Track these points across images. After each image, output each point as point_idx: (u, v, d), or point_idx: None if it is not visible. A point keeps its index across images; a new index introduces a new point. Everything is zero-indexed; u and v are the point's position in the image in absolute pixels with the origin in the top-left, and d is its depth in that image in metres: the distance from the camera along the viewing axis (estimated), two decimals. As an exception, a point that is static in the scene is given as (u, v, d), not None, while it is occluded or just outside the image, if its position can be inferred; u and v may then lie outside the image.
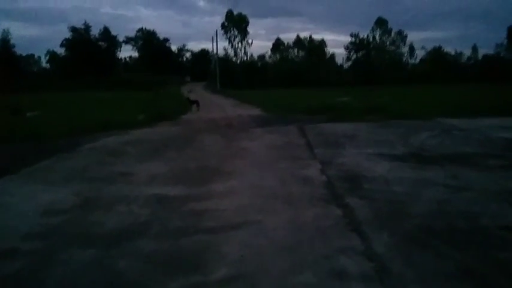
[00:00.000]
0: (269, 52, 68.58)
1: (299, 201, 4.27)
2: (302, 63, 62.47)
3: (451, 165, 5.73)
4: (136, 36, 72.33)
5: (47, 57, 68.21)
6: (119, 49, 68.05)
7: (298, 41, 67.76)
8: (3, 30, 59.15)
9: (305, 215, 3.82)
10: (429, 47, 66.57)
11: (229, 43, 66.63)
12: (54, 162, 6.73)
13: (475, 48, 65.93)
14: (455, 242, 3.14)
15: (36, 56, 75.51)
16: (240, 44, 67.04)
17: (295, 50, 68.12)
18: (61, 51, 63.16)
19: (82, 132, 9.93)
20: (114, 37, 65.00)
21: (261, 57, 68.08)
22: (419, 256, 2.93)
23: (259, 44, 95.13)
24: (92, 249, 3.17)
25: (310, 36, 67.82)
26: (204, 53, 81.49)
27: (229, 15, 65.09)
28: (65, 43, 61.50)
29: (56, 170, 6.09)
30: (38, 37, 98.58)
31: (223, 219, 3.75)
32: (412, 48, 66.47)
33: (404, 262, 2.83)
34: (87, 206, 4.28)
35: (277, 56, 67.99)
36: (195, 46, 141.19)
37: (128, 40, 70.70)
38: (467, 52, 66.24)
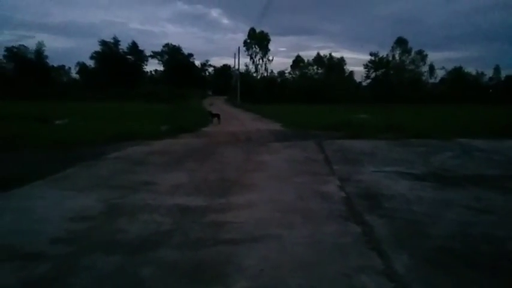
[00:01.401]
0: (289, 68, 69.22)
1: (318, 217, 4.28)
2: (321, 80, 62.55)
3: (472, 186, 5.64)
4: (162, 50, 74.62)
5: (77, 69, 71.15)
6: (145, 63, 70.64)
7: (318, 58, 68.18)
8: (38, 42, 62.37)
9: (324, 231, 3.84)
10: (450, 67, 65.92)
11: (250, 59, 67.81)
12: (81, 169, 6.97)
13: (497, 69, 65.00)
14: (479, 267, 3.08)
15: (66, 67, 78.67)
16: (261, 61, 68.04)
17: (315, 67, 68.42)
18: (90, 63, 66.09)
19: (108, 141, 10.25)
20: (141, 51, 67.67)
21: (281, 73, 68.73)
22: (441, 278, 2.90)
23: (279, 61, 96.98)
24: (116, 255, 3.27)
25: (330, 54, 68.24)
26: (225, 68, 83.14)
27: (251, 32, 66.25)
28: (95, 55, 64.45)
29: (82, 177, 6.30)
30: (69, 49, 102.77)
31: (243, 231, 3.81)
32: (432, 68, 65.98)
33: (426, 284, 2.81)
34: (112, 213, 4.41)
35: (297, 72, 68.40)
36: (217, 61, 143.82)
37: (154, 54, 73.09)
38: (489, 73, 65.28)
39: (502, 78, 64.30)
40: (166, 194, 5.17)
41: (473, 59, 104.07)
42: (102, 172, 6.67)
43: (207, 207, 4.57)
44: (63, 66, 78.77)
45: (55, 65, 70.63)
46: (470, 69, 66.35)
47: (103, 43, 63.91)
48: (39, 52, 61.41)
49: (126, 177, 6.26)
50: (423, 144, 10.04)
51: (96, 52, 64.28)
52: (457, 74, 63.36)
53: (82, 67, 69.32)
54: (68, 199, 4.98)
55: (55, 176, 6.32)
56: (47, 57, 62.90)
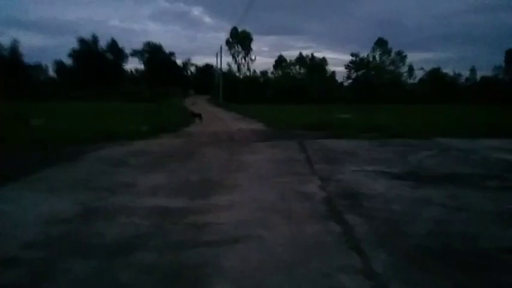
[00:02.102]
0: (272, 68, 69.45)
1: (299, 217, 4.30)
2: (303, 79, 63.00)
3: (449, 185, 5.78)
4: (142, 49, 73.39)
5: (54, 67, 69.17)
6: (125, 61, 69.24)
7: (300, 58, 68.57)
8: (13, 39, 60.17)
9: (305, 231, 3.85)
10: (428, 67, 67.58)
11: (233, 58, 67.67)
12: (58, 170, 6.79)
13: (473, 70, 67.08)
14: (455, 264, 3.15)
15: (43, 65, 76.54)
16: (243, 60, 68.04)
17: (297, 67, 68.81)
18: (68, 61, 64.30)
19: (86, 141, 10.01)
20: (121, 49, 66.28)
21: (264, 73, 68.86)
22: (418, 276, 2.96)
23: (262, 60, 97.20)
24: (93, 259, 3.20)
25: (312, 54, 68.78)
26: (208, 67, 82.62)
27: (233, 32, 66.10)
28: (73, 54, 62.66)
29: (59, 179, 6.14)
30: (46, 47, 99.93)
31: (224, 233, 3.79)
32: (411, 69, 67.40)
33: (403, 282, 2.86)
34: (89, 215, 4.31)
35: (280, 72, 68.67)
36: (199, 60, 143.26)
37: (134, 53, 71.74)
38: (465, 74, 67.25)
39: (478, 79, 66.36)
40: (146, 196, 5.09)
41: (450, 61, 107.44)
42: (80, 173, 6.52)
43: (187, 209, 4.52)
44: (40, 64, 76.75)
45: (31, 63, 68.75)
46: (448, 70, 68.27)
47: (81, 41, 62.43)
48: (13, 50, 59.40)
49: (104, 178, 6.13)
50: (403, 144, 10.23)
51: (74, 50, 62.71)
52: (435, 75, 64.90)
53: (59, 65, 67.41)
54: (44, 201, 4.85)
55: (31, 178, 6.14)
56: (22, 54, 60.99)
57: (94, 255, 3.27)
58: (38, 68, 74.12)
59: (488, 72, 66.44)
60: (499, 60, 65.21)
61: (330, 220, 4.20)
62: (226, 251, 3.37)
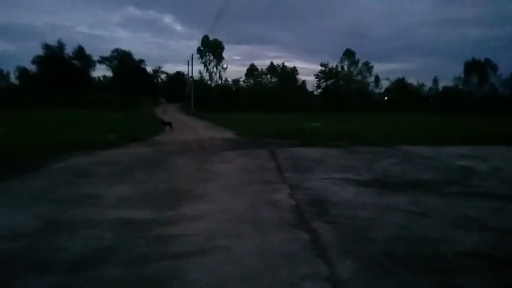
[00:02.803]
0: (243, 77, 69.80)
1: (268, 226, 4.30)
2: (275, 88, 63.74)
3: (413, 191, 5.98)
4: (111, 56, 71.62)
5: (17, 74, 66.25)
6: (92, 68, 67.10)
7: (272, 68, 69.45)
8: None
9: (273, 240, 3.86)
10: (393, 77, 70.42)
11: (204, 67, 67.53)
12: (17, 182, 6.47)
13: (435, 80, 70.59)
14: (416, 268, 3.27)
15: (5, 72, 73.32)
16: (215, 68, 68.03)
17: (269, 76, 69.59)
18: (32, 68, 61.66)
19: (50, 151, 9.62)
20: (89, 56, 64.24)
21: (236, 81, 69.07)
22: (382, 282, 3.03)
23: (234, 69, 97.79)
24: (52, 276, 3.06)
25: (283, 64, 69.82)
26: (179, 75, 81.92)
27: (205, 40, 66.05)
28: (37, 60, 60.10)
29: (18, 191, 5.85)
30: (8, 53, 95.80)
31: (191, 244, 3.73)
32: (377, 79, 70.09)
33: (368, 287, 2.92)
34: (50, 229, 4.13)
35: (251, 81, 69.15)
36: (170, 68, 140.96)
37: (102, 60, 69.73)
38: (428, 84, 70.53)
39: (440, 89, 69.66)
40: (111, 208, 4.93)
41: (414, 71, 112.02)
42: (42, 185, 6.24)
43: (153, 220, 4.43)
44: (1, 70, 73.59)
45: (-10, 69, 65.78)
46: (412, 80, 71.25)
47: (46, 47, 59.82)
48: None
49: (67, 190, 5.90)
50: (369, 152, 10.51)
51: (38, 56, 60.09)
52: (400, 85, 67.66)
53: (23, 72, 64.65)
54: (1, 215, 4.60)
55: (-13, 191, 5.82)
56: (-19, 60, 58.30)
57: (54, 271, 3.13)
58: (-1, 74, 71.00)
59: (450, 83, 70.17)
60: (459, 71, 69.03)
61: (297, 228, 4.23)
62: (193, 263, 3.31)
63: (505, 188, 6.38)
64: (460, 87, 67.84)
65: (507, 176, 7.37)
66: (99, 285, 2.94)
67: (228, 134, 16.53)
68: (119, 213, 4.68)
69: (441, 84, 70.05)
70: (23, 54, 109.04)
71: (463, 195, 5.78)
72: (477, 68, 66.93)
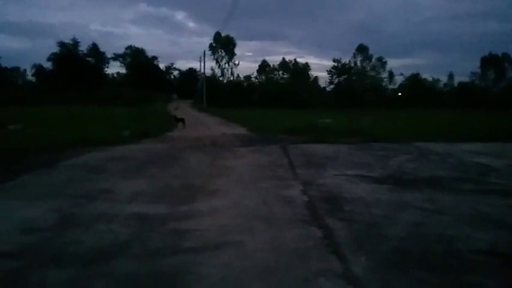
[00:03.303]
0: (255, 73, 69.79)
1: (281, 222, 4.31)
2: (287, 84, 63.47)
3: (427, 188, 5.90)
4: (124, 53, 72.47)
5: (33, 71, 67.49)
6: (106, 65, 68.08)
7: (284, 64, 69.29)
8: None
9: (286, 236, 3.86)
10: (407, 73, 69.19)
11: (216, 63, 67.77)
12: (34, 177, 6.61)
13: (451, 76, 69.25)
14: (431, 266, 3.23)
15: (22, 69, 74.75)
16: (227, 65, 68.23)
17: (280, 72, 69.39)
18: (48, 65, 62.81)
19: (65, 147, 9.79)
20: (102, 53, 65.26)
21: (247, 77, 69.16)
22: (397, 279, 3.00)
23: (246, 65, 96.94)
24: (69, 269, 3.12)
25: (295, 60, 69.62)
26: (191, 71, 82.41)
27: (216, 36, 66.21)
28: (52, 57, 61.25)
29: (35, 186, 5.98)
30: (25, 50, 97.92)
31: (205, 239, 3.75)
32: (391, 74, 69.06)
33: (382, 285, 2.90)
34: (66, 223, 4.21)
35: (263, 77, 69.07)
36: (183, 65, 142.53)
37: (116, 57, 70.71)
38: (443, 79, 69.17)
39: (455, 85, 68.34)
40: (125, 203, 5.00)
41: (429, 66, 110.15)
42: (57, 180, 6.36)
43: (167, 215, 4.47)
44: (18, 68, 75.02)
45: (9, 67, 67.07)
46: (427, 76, 69.98)
47: (61, 44, 60.91)
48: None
49: (82, 185, 6.01)
50: (383, 148, 10.40)
51: (53, 54, 61.14)
52: (414, 80, 66.47)
53: (39, 69, 65.82)
54: (19, 209, 4.71)
55: (6, 185, 5.97)
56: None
57: (70, 265, 3.19)
58: (16, 71, 72.44)
59: (465, 78, 68.76)
60: (475, 66, 67.52)
61: (311, 225, 4.22)
62: (207, 257, 3.34)
63: (522, 185, 6.25)
64: (476, 82, 66.47)
65: (525, 173, 7.21)
66: (114, 278, 2.98)
67: (240, 130, 16.56)
68: (133, 208, 4.74)
69: (457, 80, 68.87)
70: (39, 51, 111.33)
71: (479, 193, 5.68)
72: (494, 63, 65.44)
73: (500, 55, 65.23)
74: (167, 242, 3.69)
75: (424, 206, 4.96)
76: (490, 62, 65.62)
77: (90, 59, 63.84)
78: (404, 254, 3.46)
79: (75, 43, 61.90)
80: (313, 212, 4.68)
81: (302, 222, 4.29)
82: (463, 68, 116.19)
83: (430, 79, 68.71)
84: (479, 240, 3.81)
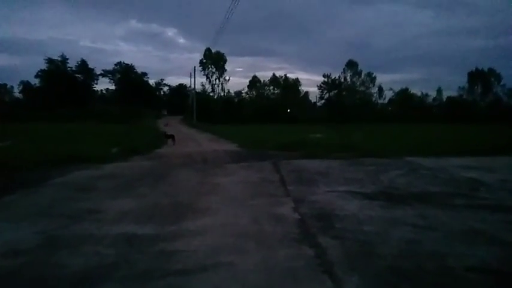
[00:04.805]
0: (246, 89, 70.18)
1: (272, 241, 4.23)
2: (277, 100, 63.98)
3: (419, 204, 5.89)
4: (114, 69, 72.36)
5: (20, 88, 66.94)
6: (95, 82, 67.78)
7: (274, 79, 69.92)
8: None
9: (277, 256, 3.78)
10: (397, 88, 70.39)
11: (207, 79, 67.97)
12: (20, 197, 6.45)
13: (439, 91, 70.35)
14: (423, 284, 3.20)
15: (8, 86, 74.15)
16: (217, 80, 68.45)
17: (271, 88, 69.94)
18: (35, 81, 62.34)
19: (53, 165, 9.62)
20: (92, 70, 64.95)
21: (238, 93, 69.48)
22: (389, 299, 2.95)
23: (237, 81, 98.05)
24: (52, 294, 3.00)
25: (285, 75, 70.19)
26: (181, 87, 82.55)
27: (207, 53, 66.59)
28: (40, 74, 60.85)
29: (20, 206, 5.82)
30: (12, 67, 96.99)
31: (194, 260, 3.65)
32: (380, 89, 70.11)
33: (374, 305, 2.84)
34: (51, 245, 4.07)
35: (254, 92, 69.52)
36: (173, 81, 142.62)
37: (105, 73, 70.51)
38: (432, 94, 70.37)
39: (444, 99, 69.56)
40: (113, 223, 4.87)
41: (417, 81, 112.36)
42: (44, 200, 6.20)
43: (156, 236, 4.36)
44: (5, 84, 74.44)
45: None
46: (416, 91, 71.31)
47: (49, 61, 60.46)
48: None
49: (69, 205, 5.86)
50: (374, 163, 10.43)
51: (42, 70, 60.73)
52: (403, 95, 67.61)
53: (26, 86, 65.33)
54: (2, 231, 4.56)
55: (-11, 206, 5.79)
56: (-15, 74, 59.01)
57: (54, 290, 3.07)
58: (3, 88, 71.75)
59: (454, 93, 70.12)
60: (463, 81, 69.05)
61: (302, 243, 4.15)
62: (196, 280, 3.24)
63: (512, 200, 6.27)
64: (464, 97, 67.86)
65: (514, 187, 7.26)
66: (99, 304, 2.87)
67: (231, 147, 16.51)
68: (120, 229, 4.62)
69: (445, 94, 70.03)
70: (26, 68, 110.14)
71: (470, 208, 5.68)
72: (481, 78, 67.08)
73: (486, 70, 66.92)
74: (155, 263, 3.58)
75: (416, 222, 4.93)
76: (476, 76, 67.29)
77: (79, 75, 63.52)
78: (396, 272, 3.41)
79: (64, 59, 61.54)
80: (305, 230, 4.62)
81: (294, 241, 4.22)
82: (451, 83, 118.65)
83: (419, 94, 70.00)
84: (471, 256, 3.77)
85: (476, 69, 67.44)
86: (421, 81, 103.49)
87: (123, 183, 7.71)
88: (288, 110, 57.44)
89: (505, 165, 10.18)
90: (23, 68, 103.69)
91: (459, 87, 68.91)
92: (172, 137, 17.84)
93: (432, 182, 7.82)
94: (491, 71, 66.90)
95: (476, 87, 67.51)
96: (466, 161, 10.87)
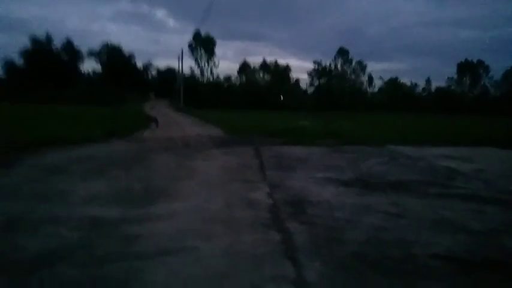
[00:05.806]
0: (235, 73, 69.35)
1: (240, 226, 4.18)
2: (267, 86, 63.54)
3: (393, 192, 5.90)
4: (100, 50, 70.53)
5: (3, 67, 64.84)
6: (81, 62, 66.03)
7: (264, 65, 69.04)
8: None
9: (243, 241, 3.74)
10: (386, 77, 70.47)
11: (195, 63, 66.85)
12: (-14, 178, 6.26)
13: (428, 81, 70.67)
14: (385, 271, 3.18)
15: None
16: (206, 64, 67.40)
17: (261, 73, 69.30)
18: (20, 61, 60.43)
19: (28, 147, 9.35)
20: (78, 50, 63.21)
21: (228, 78, 68.60)
22: (349, 285, 2.93)
23: (227, 65, 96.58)
24: (4, 276, 2.91)
25: (276, 61, 69.41)
26: (170, 70, 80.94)
27: (196, 35, 65.36)
28: (24, 53, 58.94)
29: (-15, 187, 5.65)
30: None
31: (157, 244, 3.58)
32: (371, 78, 69.96)
33: (332, 291, 2.81)
34: (12, 227, 3.96)
35: (243, 77, 68.80)
36: (162, 63, 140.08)
37: (91, 53, 68.59)
38: (421, 83, 70.73)
39: (433, 89, 70.07)
40: (80, 205, 4.76)
41: (407, 71, 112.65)
42: (12, 181, 6.03)
43: (122, 219, 4.27)
44: (-14, 63, 72.00)
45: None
46: (405, 80, 71.48)
47: (34, 40, 58.71)
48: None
49: (38, 186, 5.71)
50: (356, 151, 10.44)
51: (26, 49, 59.00)
52: (393, 85, 67.81)
53: (9, 65, 63.35)
54: (-37, 212, 4.41)
55: (-46, 186, 5.60)
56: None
57: (10, 271, 2.98)
58: (-16, 67, 69.32)
59: (442, 83, 70.63)
60: (452, 71, 69.49)
61: (271, 229, 4.11)
62: (156, 264, 3.18)
63: (486, 189, 6.33)
64: (452, 87, 68.39)
65: (490, 177, 7.33)
66: (52, 285, 2.79)
67: (216, 132, 16.35)
68: (87, 211, 4.51)
69: (434, 85, 70.47)
70: (10, 47, 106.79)
71: (443, 197, 5.72)
72: (470, 69, 67.48)
73: (475, 62, 67.38)
74: (116, 246, 3.51)
75: (388, 209, 4.94)
76: (466, 68, 67.64)
77: (64, 55, 61.63)
78: (361, 259, 3.40)
79: (49, 38, 59.60)
80: (275, 216, 4.58)
81: (262, 226, 4.18)
82: (441, 73, 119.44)
83: (409, 83, 70.28)
84: (437, 244, 3.79)
85: (466, 60, 67.84)
86: (411, 71, 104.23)
87: (97, 166, 7.54)
88: (282, 98, 57.14)
89: (483, 156, 10.29)
90: (8, 47, 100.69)
91: (448, 77, 69.40)
92: (155, 120, 17.58)
93: (410, 170, 7.86)
94: (480, 62, 67.37)
95: (465, 78, 68.00)
96: (446, 150, 10.97)
